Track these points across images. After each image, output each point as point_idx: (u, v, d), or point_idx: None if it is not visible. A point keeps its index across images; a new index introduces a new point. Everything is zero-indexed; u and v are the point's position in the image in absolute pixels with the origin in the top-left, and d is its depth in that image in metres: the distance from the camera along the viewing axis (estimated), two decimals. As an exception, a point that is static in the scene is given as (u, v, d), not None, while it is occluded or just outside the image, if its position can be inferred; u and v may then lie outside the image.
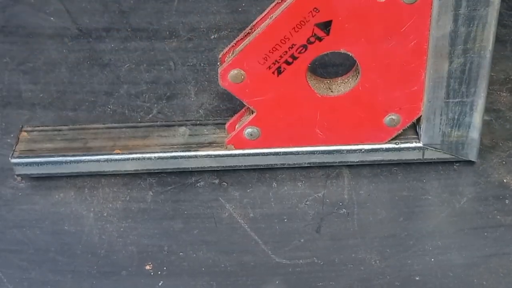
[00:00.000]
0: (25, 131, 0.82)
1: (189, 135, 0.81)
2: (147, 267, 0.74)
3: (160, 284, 0.72)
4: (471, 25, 0.71)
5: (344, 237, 0.76)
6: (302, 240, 0.76)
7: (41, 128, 0.83)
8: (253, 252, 0.75)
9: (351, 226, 0.77)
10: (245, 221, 0.77)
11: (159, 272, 0.73)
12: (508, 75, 0.91)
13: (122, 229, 0.77)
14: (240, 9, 1.03)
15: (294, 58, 0.73)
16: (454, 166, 0.81)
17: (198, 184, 0.81)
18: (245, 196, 0.80)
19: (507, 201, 0.78)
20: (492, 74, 0.90)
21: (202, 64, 0.95)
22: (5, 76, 0.92)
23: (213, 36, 0.99)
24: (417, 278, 0.72)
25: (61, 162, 0.80)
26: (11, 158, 0.79)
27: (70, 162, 0.80)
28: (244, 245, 0.75)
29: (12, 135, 0.85)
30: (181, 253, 0.75)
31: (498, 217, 0.77)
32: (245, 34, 0.75)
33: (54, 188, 0.80)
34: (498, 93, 0.89)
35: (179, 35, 0.98)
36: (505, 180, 0.80)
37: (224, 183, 0.81)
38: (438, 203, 0.78)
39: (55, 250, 0.75)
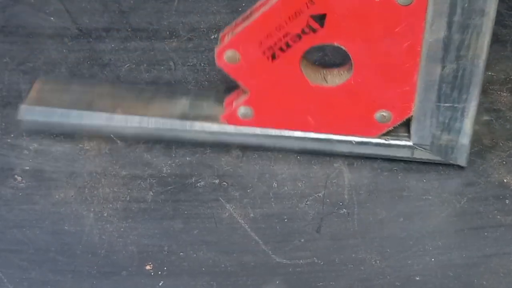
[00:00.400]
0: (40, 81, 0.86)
1: (189, 105, 0.83)
2: (147, 267, 0.74)
3: (160, 284, 0.72)
4: (465, 33, 0.71)
5: (344, 237, 0.76)
6: (302, 240, 0.76)
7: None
8: (253, 252, 0.75)
9: (351, 226, 0.77)
10: (245, 221, 0.77)
11: (159, 272, 0.73)
12: (508, 75, 0.91)
13: (122, 229, 0.77)
14: (240, 9, 1.03)
15: (288, 46, 0.74)
16: (455, 166, 0.81)
17: (198, 184, 0.81)
18: (245, 196, 0.80)
19: (507, 201, 0.78)
20: (492, 74, 0.90)
21: (202, 64, 0.95)
22: (5, 76, 0.92)
23: (213, 36, 0.99)
24: (417, 278, 0.72)
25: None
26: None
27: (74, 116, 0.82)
28: (244, 245, 0.75)
29: (12, 135, 0.85)
30: (181, 253, 0.75)
31: (498, 217, 0.77)
32: (245, 17, 0.76)
33: (54, 188, 0.80)
34: (498, 93, 0.89)
35: (179, 35, 0.98)
36: (505, 180, 0.80)
37: (224, 183, 0.81)
38: (438, 203, 0.78)
39: (55, 250, 0.75)
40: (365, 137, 0.80)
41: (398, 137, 0.80)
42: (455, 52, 0.72)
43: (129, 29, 0.99)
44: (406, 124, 0.80)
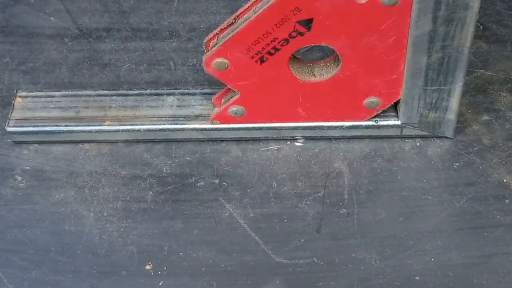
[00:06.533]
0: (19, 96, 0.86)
1: (177, 106, 0.84)
2: (147, 267, 0.74)
3: (160, 284, 0.72)
4: (450, 25, 0.72)
5: (344, 237, 0.76)
6: (302, 240, 0.76)
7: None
8: (253, 252, 0.75)
9: (351, 226, 0.77)
10: (245, 221, 0.77)
11: (159, 272, 0.73)
12: (508, 75, 0.91)
13: (122, 229, 0.77)
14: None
15: (277, 49, 0.75)
16: (454, 166, 0.82)
17: (198, 184, 0.81)
18: (245, 196, 0.80)
19: (506, 201, 0.78)
20: (492, 74, 0.90)
21: (202, 64, 0.95)
22: (5, 76, 0.92)
23: (213, 36, 0.99)
24: (417, 278, 0.72)
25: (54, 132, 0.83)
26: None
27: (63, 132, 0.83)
28: (244, 245, 0.75)
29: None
30: (181, 253, 0.75)
31: (498, 217, 0.77)
32: (229, 23, 0.76)
33: (54, 188, 0.80)
34: (498, 93, 0.89)
35: (179, 35, 0.98)
36: (505, 180, 0.80)
37: (224, 183, 0.81)
38: (438, 203, 0.78)
39: (55, 250, 0.75)
40: (354, 121, 0.83)
41: (386, 118, 0.83)
42: (440, 42, 0.74)
43: (129, 29, 0.99)
44: (394, 105, 0.82)
